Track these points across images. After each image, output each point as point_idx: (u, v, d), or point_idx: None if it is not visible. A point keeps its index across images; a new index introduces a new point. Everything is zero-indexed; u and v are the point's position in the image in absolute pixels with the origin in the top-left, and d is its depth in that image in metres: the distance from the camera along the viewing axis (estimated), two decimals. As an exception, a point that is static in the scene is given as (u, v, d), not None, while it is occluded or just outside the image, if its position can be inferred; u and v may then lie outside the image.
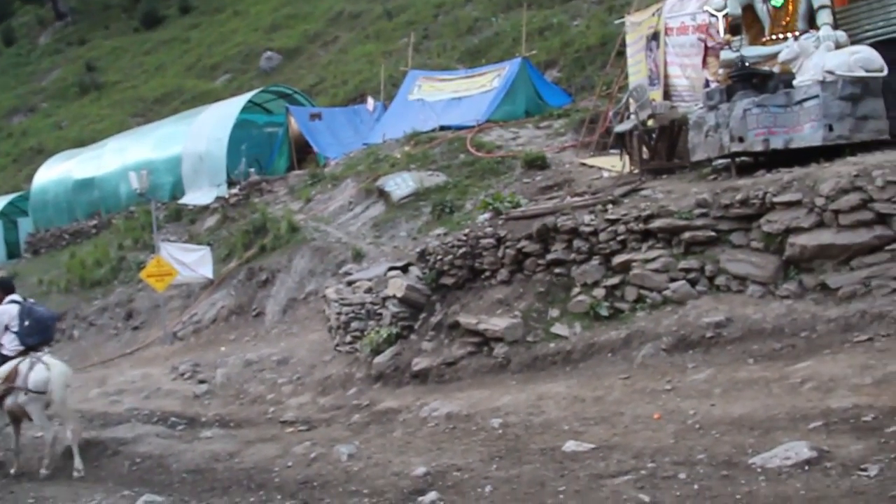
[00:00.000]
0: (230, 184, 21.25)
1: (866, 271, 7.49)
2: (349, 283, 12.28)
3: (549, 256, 9.53)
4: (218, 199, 20.84)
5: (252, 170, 21.47)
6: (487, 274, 10.10)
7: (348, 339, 11.38)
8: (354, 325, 11.35)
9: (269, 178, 21.22)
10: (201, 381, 12.39)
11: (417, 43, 26.15)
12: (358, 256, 14.08)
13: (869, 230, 7.55)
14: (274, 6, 41.11)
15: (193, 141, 22.78)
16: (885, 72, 8.84)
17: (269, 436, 9.32)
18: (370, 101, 23.10)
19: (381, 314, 11.01)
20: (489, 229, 10.23)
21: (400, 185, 15.64)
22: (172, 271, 15.65)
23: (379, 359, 10.36)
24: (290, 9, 39.48)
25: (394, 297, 10.63)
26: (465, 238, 10.32)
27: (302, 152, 22.82)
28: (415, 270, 10.97)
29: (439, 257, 10.50)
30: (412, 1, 32.08)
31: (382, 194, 15.93)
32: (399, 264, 11.52)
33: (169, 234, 19.48)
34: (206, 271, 16.51)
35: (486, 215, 10.87)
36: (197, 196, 21.70)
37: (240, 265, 16.70)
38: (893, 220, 7.44)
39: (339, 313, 11.63)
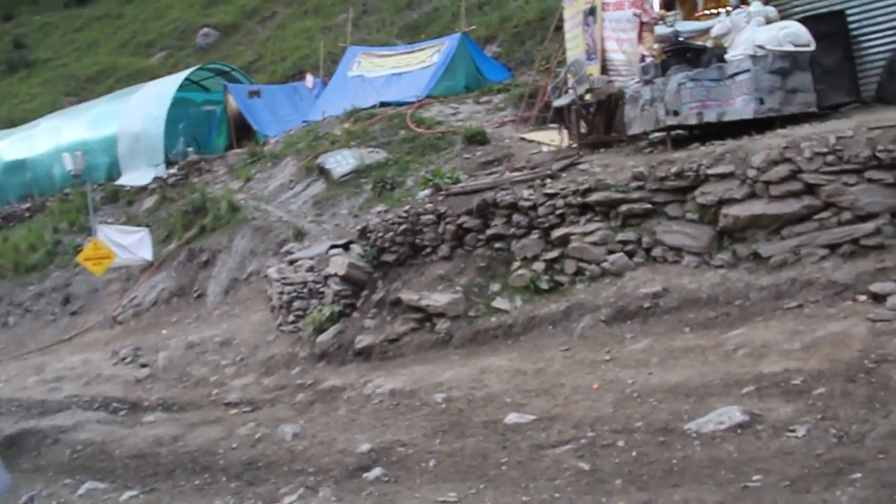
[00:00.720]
0: (168, 164, 20.82)
1: (796, 240, 7.73)
2: (291, 263, 12.20)
3: (489, 231, 9.63)
4: (156, 179, 20.43)
5: (190, 149, 21.08)
6: (428, 250, 10.15)
7: (291, 318, 11.33)
8: (297, 304, 11.30)
9: (208, 157, 20.85)
10: (143, 366, 12.22)
11: (356, 18, 25.89)
12: (299, 235, 13.97)
13: (798, 200, 7.78)
14: (210, -20, 40.29)
15: (129, 120, 22.26)
16: (813, 46, 9.07)
17: (212, 418, 9.27)
18: (309, 78, 22.84)
19: (323, 293, 10.98)
20: (429, 206, 10.27)
21: (340, 162, 15.53)
22: (110, 254, 15.36)
23: (322, 337, 10.35)
24: (226, -17, 38.75)
25: (335, 275, 10.62)
26: (405, 215, 10.34)
27: (241, 130, 22.45)
28: (356, 248, 10.97)
29: (380, 235, 10.50)
30: (351, -24, 31.76)
31: (323, 172, 15.80)
32: (340, 242, 11.50)
33: (106, 217, 19.05)
34: (146, 253, 16.23)
35: (427, 192, 10.90)
36: (134, 177, 21.24)
37: (180, 246, 16.44)
38: (821, 190, 7.67)
39: (281, 293, 11.57)
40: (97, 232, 16.02)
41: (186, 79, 23.17)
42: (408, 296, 9.73)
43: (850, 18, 10.00)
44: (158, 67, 31.76)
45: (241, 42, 32.15)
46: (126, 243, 16.02)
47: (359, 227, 11.31)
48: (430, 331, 9.42)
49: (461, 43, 18.77)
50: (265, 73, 26.88)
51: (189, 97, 23.04)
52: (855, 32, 10.00)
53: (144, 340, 13.38)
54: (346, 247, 11.25)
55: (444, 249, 10.00)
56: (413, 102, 17.43)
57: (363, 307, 10.37)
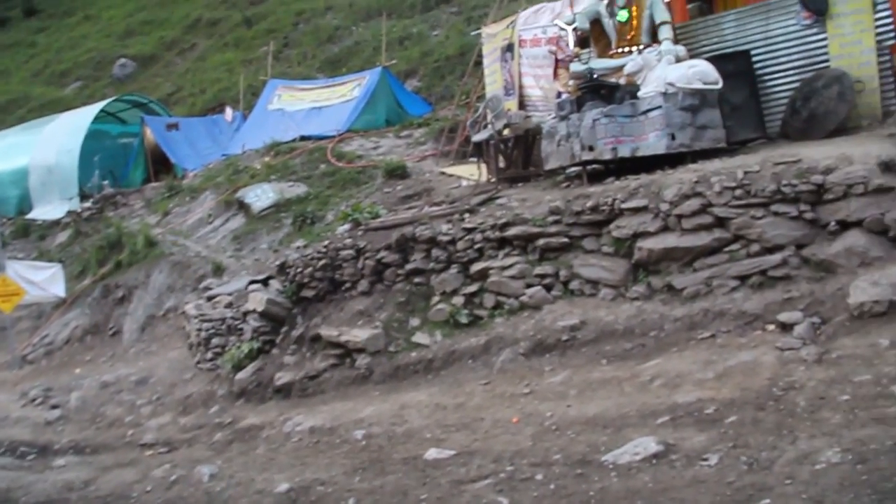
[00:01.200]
0: (83, 197, 20.32)
1: (708, 272, 7.92)
2: (209, 299, 11.99)
3: (409, 266, 9.65)
4: (69, 213, 19.90)
5: (106, 182, 20.61)
6: (348, 285, 10.10)
7: (209, 355, 11.11)
8: (215, 341, 11.10)
9: (124, 190, 20.42)
10: (54, 407, 11.79)
11: (277, 51, 25.82)
12: (218, 270, 13.76)
13: (709, 233, 8.00)
14: (128, 11, 39.61)
15: (42, 152, 21.66)
16: (721, 84, 9.39)
17: (127, 460, 9.00)
18: (229, 111, 22.65)
19: (242, 329, 10.81)
20: (349, 240, 10.24)
21: (260, 196, 15.39)
22: (20, 291, 14.85)
23: (241, 375, 10.17)
24: (145, 14, 38.15)
25: (254, 311, 10.47)
26: (325, 250, 10.29)
27: (159, 164, 22.08)
28: (275, 284, 10.85)
29: (300, 270, 10.41)
30: (272, 9, 31.63)
31: (242, 206, 15.64)
32: (260, 277, 11.36)
33: (16, 252, 18.44)
34: (58, 290, 15.75)
35: (346, 226, 10.87)
36: (46, 210, 20.66)
37: (94, 282, 16.00)
38: (731, 223, 7.90)
39: (199, 329, 11.35)
40: (6, 268, 15.48)
41: (102, 110, 22.71)
42: (327, 332, 9.65)
43: (755, 58, 10.42)
44: (73, 98, 31.05)
45: (160, 73, 31.71)
46: (37, 279, 15.51)
47: (278, 262, 11.20)
48: (350, 367, 9.35)
49: (382, 77, 18.88)
50: (184, 105, 26.55)
51: (105, 129, 22.57)
52: (760, 71, 10.41)
53: (56, 380, 12.93)
54: (265, 282, 11.12)
55: (363, 285, 9.96)
56: (334, 136, 17.41)
57: (283, 343, 10.25)
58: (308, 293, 10.36)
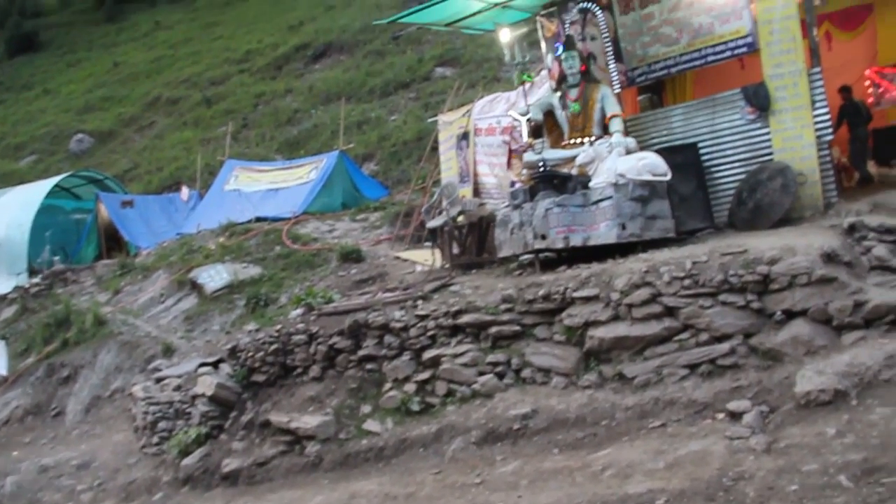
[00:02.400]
0: (31, 272, 19.98)
1: (658, 360, 7.97)
2: (158, 381, 11.75)
3: (361, 352, 9.59)
4: (17, 288, 19.49)
5: (56, 258, 20.31)
6: (299, 371, 9.99)
7: (155, 439, 10.84)
8: (162, 424, 10.84)
9: (75, 267, 20.12)
10: (-13, 492, 11.41)
11: (236, 132, 26.00)
12: (168, 351, 13.56)
13: (659, 322, 8.08)
14: (88, 87, 39.75)
15: (-8, 225, 21.39)
16: (669, 176, 9.64)
17: (63, 551, 8.69)
18: (185, 190, 22.63)
19: (190, 413, 10.59)
20: (301, 325, 10.17)
21: (214, 277, 15.29)
22: (-41, 369, 14.51)
23: (187, 460, 9.93)
24: (105, 90, 38.28)
25: (203, 395, 10.30)
26: (277, 334, 10.20)
27: (112, 241, 21.88)
28: (226, 367, 10.69)
29: (251, 354, 10.29)
30: (232, 89, 31.96)
31: (195, 286, 15.50)
32: (210, 360, 11.18)
33: (-41, 328, 18.04)
34: (0, 367, 15.39)
35: (299, 311, 10.82)
36: (-7, 285, 20.29)
37: (39, 361, 15.62)
38: (680, 313, 7.99)
39: (145, 412, 11.09)
40: (-54, 344, 15.12)
41: (56, 185, 22.55)
42: (277, 417, 9.51)
43: (702, 150, 10.73)
44: (27, 172, 30.82)
45: (117, 150, 31.68)
46: (-21, 357, 15.16)
47: (229, 345, 11.06)
48: (299, 454, 9.19)
49: (339, 160, 19.08)
50: (140, 182, 26.49)
51: (58, 204, 22.36)
52: (707, 163, 10.72)
53: (-8, 464, 12.52)
54: (215, 365, 10.95)
55: (315, 370, 9.87)
56: (289, 218, 17.46)
57: (231, 429, 10.06)
58: (259, 378, 10.23)
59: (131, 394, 12.00)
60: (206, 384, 10.33)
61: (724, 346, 7.72)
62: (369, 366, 9.55)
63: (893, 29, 13.25)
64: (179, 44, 41.26)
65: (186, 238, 18.71)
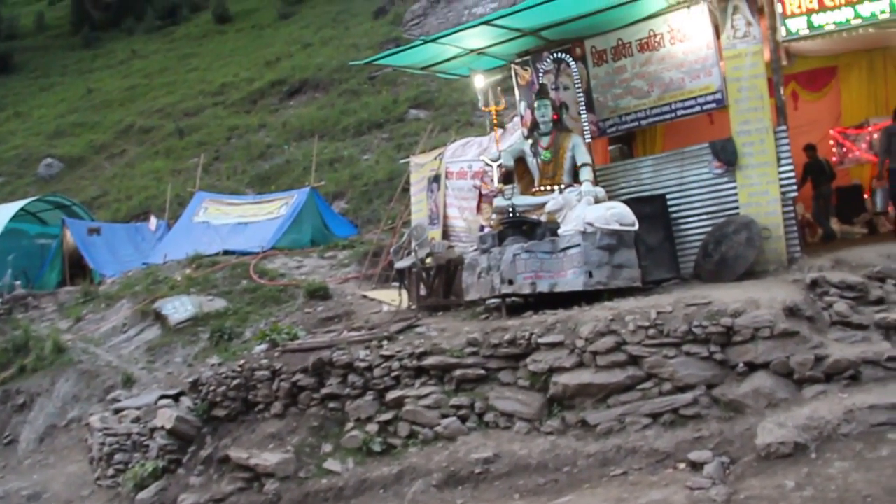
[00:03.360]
0: (-8, 296, 19.71)
1: (621, 409, 7.98)
2: (116, 411, 11.60)
3: (324, 391, 9.51)
4: (-25, 312, 19.23)
5: (18, 283, 20.02)
6: (261, 407, 9.90)
7: (111, 472, 10.67)
8: (118, 457, 10.68)
9: (36, 292, 19.86)
10: (-68, 523, 11.12)
11: (208, 164, 25.97)
12: (128, 382, 13.38)
13: (623, 370, 8.11)
14: (60, 112, 39.49)
15: (-46, 248, 21.06)
16: (637, 226, 9.76)
17: (9, 587, 8.47)
18: (153, 220, 22.49)
19: (148, 446, 10.45)
20: (265, 361, 10.10)
21: (178, 308, 15.17)
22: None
23: (142, 495, 9.77)
24: (77, 116, 38.05)
25: (162, 428, 10.16)
26: (240, 369, 10.10)
27: (76, 268, 21.62)
28: (187, 401, 10.59)
29: (212, 388, 10.18)
30: (205, 121, 31.93)
31: (159, 317, 15.36)
32: (171, 393, 11.08)
33: (-89, 352, 17.64)
34: (-46, 394, 15.07)
35: (263, 346, 10.75)
36: (-49, 309, 19.92)
37: (-6, 387, 15.36)
38: (644, 362, 8.04)
39: (102, 444, 10.92)
40: None
41: (22, 209, 22.33)
42: (237, 454, 9.38)
43: (670, 202, 10.88)
44: (-7, 194, 30.49)
45: (86, 176, 31.43)
46: (-68, 383, 14.83)
47: (191, 378, 10.94)
48: (258, 491, 9.05)
49: (310, 197, 19.09)
50: (108, 210, 26.29)
51: (23, 228, 22.11)
52: (675, 215, 10.86)
53: (-61, 494, 12.20)
54: (176, 398, 10.85)
55: (277, 407, 9.78)
56: (258, 253, 17.40)
57: (189, 464, 9.91)
58: (220, 412, 10.11)
59: (88, 424, 11.82)
60: (166, 417, 10.19)
61: (687, 396, 7.75)
62: (332, 404, 9.47)
63: (855, 91, 13.65)
64: (155, 73, 41.24)
65: (152, 268, 18.55)
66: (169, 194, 22.99)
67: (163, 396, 11.05)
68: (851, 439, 6.66)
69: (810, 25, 10.36)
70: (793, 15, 10.38)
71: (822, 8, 10.23)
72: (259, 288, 15.40)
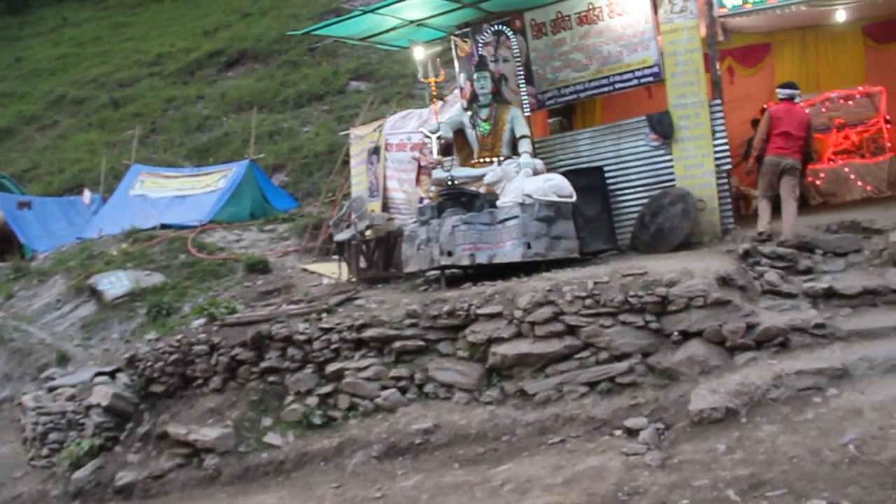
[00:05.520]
0: (-85, 274, 19.09)
1: (559, 378, 8.11)
2: (50, 390, 11.35)
3: (264, 364, 9.48)
4: None
5: (-57, 259, 19.48)
6: (200, 382, 9.82)
7: (45, 451, 10.46)
8: (53, 436, 10.47)
9: (-37, 270, 19.31)
10: None
11: (144, 136, 25.37)
12: (63, 360, 13.11)
13: (560, 340, 8.23)
14: (-13, 83, 38.24)
15: None
16: (575, 197, 9.85)
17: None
18: (87, 193, 21.89)
19: (83, 424, 10.27)
20: (203, 335, 10.01)
21: (114, 283, 14.86)
22: None
23: (78, 473, 9.63)
24: (4, 86, 36.80)
25: (98, 405, 10.00)
26: (178, 344, 10.00)
27: (6, 243, 20.96)
28: (123, 377, 10.42)
29: (150, 364, 10.06)
30: (141, 92, 31.16)
31: (95, 293, 15.04)
32: (107, 370, 10.86)
33: None
34: None
35: (202, 321, 10.63)
36: None
37: (-80, 367, 14.93)
38: (581, 331, 8.16)
39: (35, 423, 10.69)
40: None
41: (-52, 183, 21.61)
42: (175, 429, 9.30)
43: (608, 174, 11.01)
44: (-83, 168, 29.43)
45: (16, 148, 30.47)
46: None
47: (128, 354, 10.78)
48: (197, 467, 9.01)
49: (249, 169, 18.80)
50: (40, 183, 25.54)
51: (-52, 202, 21.38)
52: (612, 187, 11.00)
53: None
54: (112, 375, 10.66)
55: (216, 381, 9.71)
56: (196, 226, 17.12)
57: (127, 441, 9.79)
58: (157, 388, 10.00)
59: (21, 403, 11.56)
60: (102, 394, 10.04)
61: (623, 365, 7.90)
62: (271, 378, 9.44)
63: (789, 68, 13.92)
64: (87, 42, 40.05)
65: (87, 243, 18.10)
66: (103, 167, 22.40)
67: (99, 373, 10.84)
68: (780, 403, 6.85)
69: (745, 2, 10.54)
70: (729, -10, 10.56)
71: (758, -16, 10.42)
72: (197, 262, 15.18)
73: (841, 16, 12.72)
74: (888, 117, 13.52)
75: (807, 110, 10.85)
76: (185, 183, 19.51)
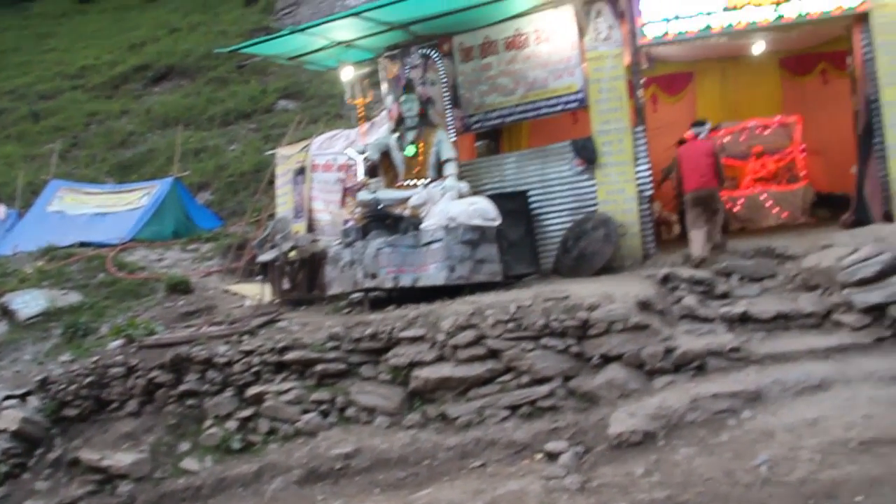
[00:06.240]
0: None
1: (480, 401, 8.11)
2: (-44, 414, 10.93)
3: (182, 387, 9.27)
4: None
5: None
6: (115, 405, 9.54)
7: (-53, 480, 10.05)
8: (-43, 463, 10.07)
9: None
10: None
11: (64, 150, 24.70)
12: (-29, 383, 12.62)
13: (482, 364, 8.25)
14: None
15: None
16: (499, 221, 9.93)
17: None
18: (2, 209, 21.20)
19: (-10, 450, 9.89)
20: (120, 357, 9.75)
21: (28, 303, 14.37)
22: None
23: (-17, 502, 9.27)
24: (-86, 95, 35.55)
25: (6, 430, 9.62)
26: (93, 366, 9.72)
27: (-89, 260, 20.22)
28: (34, 401, 10.05)
29: (63, 386, 9.74)
30: (63, 105, 30.32)
31: (7, 312, 14.51)
32: (17, 393, 10.47)
33: None
34: None
35: (119, 342, 10.36)
36: None
37: None
38: (503, 355, 8.19)
39: (-62, 449, 10.28)
40: None
41: None
42: (88, 455, 9.01)
43: (532, 198, 11.14)
44: None
45: (-74, 160, 29.41)
46: None
47: (40, 376, 10.43)
48: (110, 493, 8.71)
49: (173, 187, 18.43)
50: (-49, 197, 24.66)
51: None
52: (536, 211, 11.12)
53: None
54: (23, 398, 10.28)
55: (132, 405, 9.45)
56: (116, 245, 16.70)
57: (36, 467, 9.42)
58: (70, 412, 9.68)
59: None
60: (10, 419, 9.67)
61: (544, 389, 7.94)
62: (190, 401, 9.24)
63: (710, 97, 14.36)
64: (7, 52, 38.91)
65: (1, 260, 17.53)
66: (20, 182, 21.71)
67: (8, 397, 10.43)
68: (696, 426, 6.96)
69: (667, 32, 10.82)
70: (652, 21, 10.82)
71: (679, 16, 10.70)
72: (117, 281, 14.77)
73: (759, 48, 13.15)
74: (803, 147, 14.01)
75: (711, 139, 11.23)
76: (107, 200, 19.01)
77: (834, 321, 8.18)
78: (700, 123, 10.83)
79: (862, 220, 10.19)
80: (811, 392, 7.04)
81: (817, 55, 13.94)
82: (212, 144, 22.81)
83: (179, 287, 13.49)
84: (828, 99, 13.62)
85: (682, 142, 13.29)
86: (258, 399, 8.86)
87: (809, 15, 10.48)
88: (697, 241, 10.00)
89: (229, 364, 9.15)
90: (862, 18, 10.35)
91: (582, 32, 11.04)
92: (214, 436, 8.80)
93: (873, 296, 7.85)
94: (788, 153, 14.03)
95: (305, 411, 8.65)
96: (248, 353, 9.13)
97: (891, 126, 10.11)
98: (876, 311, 7.82)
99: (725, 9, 10.61)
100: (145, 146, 24.50)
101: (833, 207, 12.89)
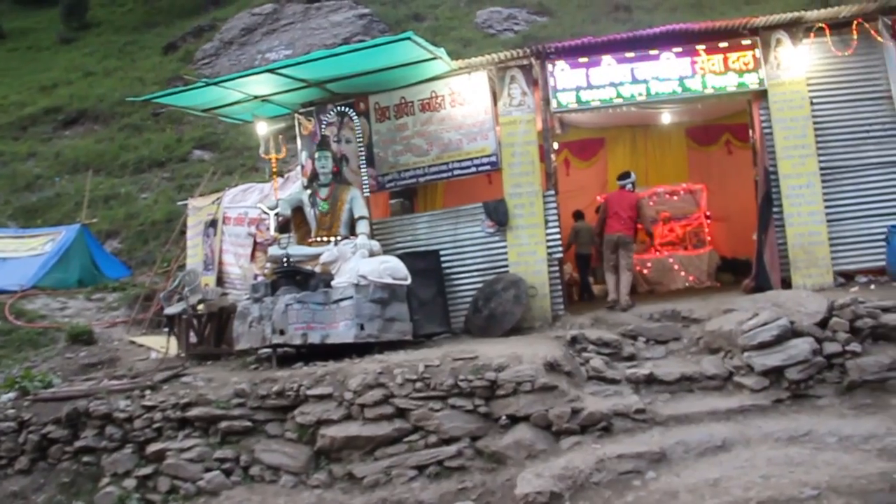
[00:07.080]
0: None
1: (388, 461, 8.06)
2: None
3: (78, 443, 8.94)
4: None
5: None
6: (4, 462, 9.11)
7: None
8: None
9: None
10: None
11: (-35, 192, 23.89)
12: None
13: (390, 423, 8.22)
14: None
15: None
16: (409, 280, 9.98)
17: None
18: None
19: None
20: (11, 411, 9.35)
21: (-83, 351, 13.72)
22: None
23: None
24: None
25: None
26: (-19, 420, 9.31)
27: None
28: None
29: (-53, 443, 9.29)
30: (-35, 146, 29.45)
31: None
32: None
33: None
34: None
35: (12, 395, 9.94)
36: None
37: None
38: (411, 415, 8.18)
39: None
40: None
41: None
42: (-28, 515, 8.60)
43: (444, 258, 11.23)
44: None
45: None
46: None
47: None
48: (-5, 556, 8.34)
49: (80, 234, 17.92)
50: None
51: None
52: (448, 270, 11.21)
53: None
54: None
55: (23, 462, 9.04)
56: (16, 291, 16.12)
57: (-85, 528, 8.94)
58: (-47, 470, 9.23)
59: None
60: None
61: (452, 449, 7.94)
62: (86, 458, 8.90)
63: (620, 162, 14.83)
64: None
65: None
66: (-84, 224, 20.90)
67: None
68: (602, 487, 7.03)
69: (578, 100, 11.18)
70: (563, 89, 11.17)
71: (590, 86, 11.08)
72: (15, 330, 14.21)
73: (666, 118, 13.69)
74: (708, 213, 14.55)
75: (635, 193, 11.70)
76: (8, 244, 18.33)
77: (735, 383, 8.46)
78: (625, 176, 11.80)
79: (762, 285, 10.57)
80: (713, 453, 7.21)
81: (722, 126, 14.60)
82: (123, 192, 22.33)
83: (81, 337, 13.07)
84: (731, 168, 14.24)
85: (577, 213, 13.85)
86: (159, 456, 8.60)
87: (710, 90, 10.99)
88: (611, 283, 11.06)
89: (130, 420, 8.87)
90: (761, 95, 10.90)
91: (496, 97, 11.32)
92: (111, 495, 8.47)
93: (771, 359, 8.17)
94: (695, 219, 14.55)
95: (208, 469, 8.43)
96: (150, 408, 8.88)
97: (787, 196, 10.62)
98: (774, 374, 8.15)
99: (633, 81, 11.04)
100: (52, 190, 23.82)
101: (736, 272, 13.39)
